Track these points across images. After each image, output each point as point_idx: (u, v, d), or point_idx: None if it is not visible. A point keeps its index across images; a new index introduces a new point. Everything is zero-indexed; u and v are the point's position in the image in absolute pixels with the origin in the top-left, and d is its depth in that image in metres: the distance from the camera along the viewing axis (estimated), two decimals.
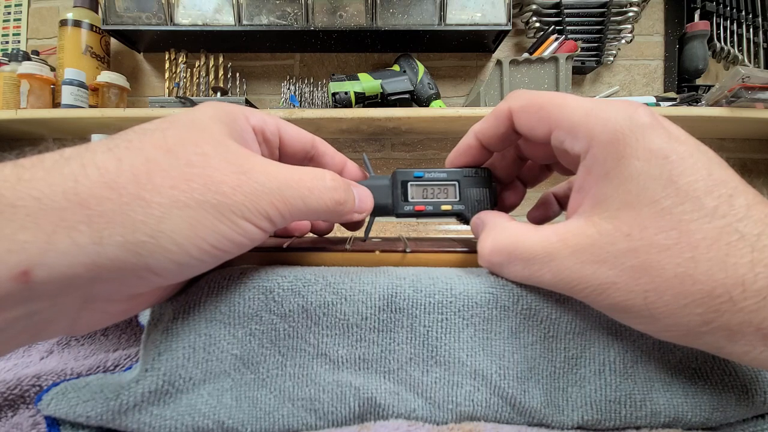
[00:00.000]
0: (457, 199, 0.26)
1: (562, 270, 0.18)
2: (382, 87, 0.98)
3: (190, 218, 0.16)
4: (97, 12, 1.08)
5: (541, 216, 0.29)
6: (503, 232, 0.21)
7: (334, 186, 0.21)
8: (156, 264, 0.16)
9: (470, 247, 0.25)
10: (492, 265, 0.21)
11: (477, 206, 0.26)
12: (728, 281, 0.15)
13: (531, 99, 0.22)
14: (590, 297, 0.18)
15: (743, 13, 1.09)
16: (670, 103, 0.96)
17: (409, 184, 0.26)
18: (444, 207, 0.26)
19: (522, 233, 0.20)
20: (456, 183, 0.26)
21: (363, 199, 0.24)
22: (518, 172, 0.28)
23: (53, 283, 0.14)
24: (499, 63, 0.93)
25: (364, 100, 0.98)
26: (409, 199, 0.26)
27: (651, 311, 0.17)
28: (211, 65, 1.09)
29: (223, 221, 0.17)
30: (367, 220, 0.26)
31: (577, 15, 1.06)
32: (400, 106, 0.99)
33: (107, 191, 0.15)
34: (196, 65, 1.09)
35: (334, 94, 0.97)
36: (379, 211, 0.26)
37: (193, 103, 0.94)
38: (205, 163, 0.17)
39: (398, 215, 0.26)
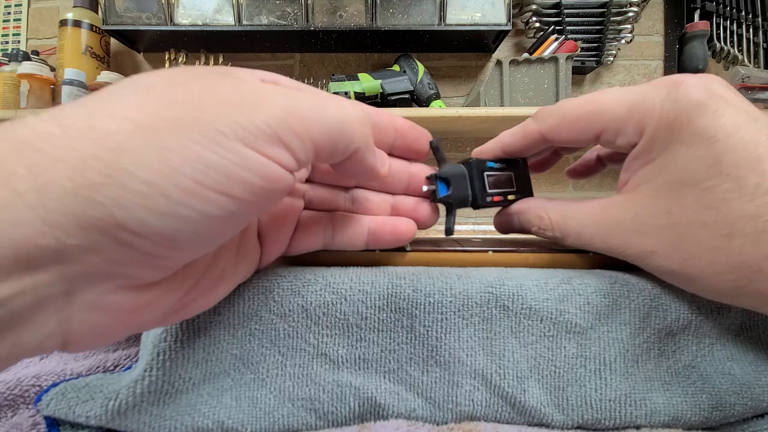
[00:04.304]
0: (515, 188, 0.26)
1: (609, 238, 0.20)
2: (382, 87, 0.98)
3: (158, 145, 0.12)
4: (97, 12, 1.08)
5: (581, 170, 0.30)
6: (554, 211, 0.23)
7: (351, 101, 0.18)
8: (127, 216, 0.12)
9: (470, 246, 0.25)
10: (555, 239, 0.23)
11: (525, 194, 0.26)
12: (759, 255, 0.17)
13: (562, 115, 0.22)
14: (636, 261, 0.20)
15: (743, 13, 1.08)
16: None
17: (485, 174, 0.24)
18: (510, 197, 0.25)
19: (571, 210, 0.22)
20: (512, 173, 0.26)
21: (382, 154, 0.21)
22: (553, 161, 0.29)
23: (4, 253, 0.11)
24: (499, 63, 0.93)
25: (364, 100, 0.98)
26: (488, 190, 0.24)
27: (688, 276, 0.19)
28: (211, 65, 1.09)
29: (207, 146, 0.13)
30: (451, 213, 0.24)
31: (577, 15, 1.06)
32: (400, 106, 0.99)
33: (52, 126, 0.12)
34: (196, 65, 1.09)
35: (334, 94, 0.96)
36: (459, 202, 0.24)
37: None
38: (178, 80, 0.14)
39: (479, 207, 0.24)
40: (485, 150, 0.25)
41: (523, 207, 0.25)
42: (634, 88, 0.20)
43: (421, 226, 0.23)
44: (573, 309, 0.20)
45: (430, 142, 0.23)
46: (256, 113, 0.14)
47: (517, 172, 0.26)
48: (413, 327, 0.20)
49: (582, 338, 0.20)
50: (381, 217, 0.22)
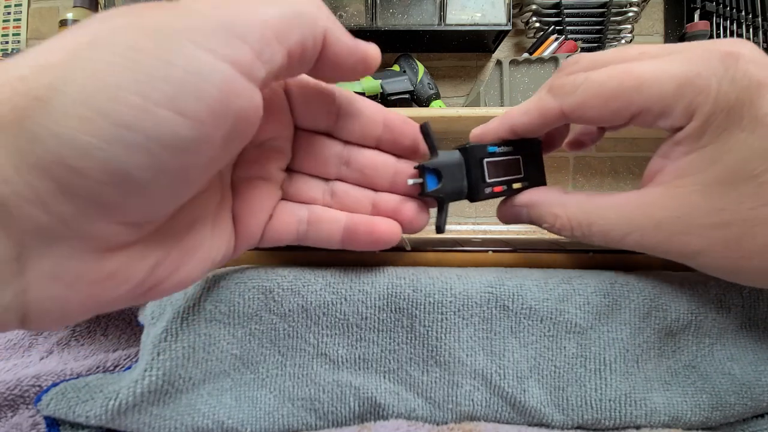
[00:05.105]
0: (522, 174, 0.22)
1: (646, 239, 0.18)
2: (382, 87, 0.98)
3: (94, 57, 0.11)
4: (97, 12, 1.08)
5: (584, 140, 0.25)
6: (574, 207, 0.20)
7: None
8: (63, 146, 0.11)
9: (470, 246, 0.25)
10: (574, 239, 0.20)
11: (535, 181, 0.23)
12: None
13: (592, 92, 0.18)
14: (676, 260, 0.18)
15: (743, 13, 1.08)
16: None
17: (485, 161, 0.21)
18: (515, 185, 0.22)
19: (594, 206, 0.19)
20: (519, 157, 0.22)
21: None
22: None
23: None
24: (499, 63, 0.93)
25: None
26: (488, 180, 0.21)
27: (738, 271, 0.17)
28: None
29: (151, 52, 0.11)
30: (443, 209, 0.21)
31: (577, 15, 1.06)
32: (400, 106, 0.99)
33: None
34: None
35: None
36: (453, 195, 0.21)
37: None
38: (127, 11, 0.12)
39: (477, 199, 0.21)
40: (488, 131, 0.22)
41: (534, 199, 0.22)
42: (678, 58, 0.17)
43: (407, 228, 0.21)
44: (573, 309, 0.20)
45: (421, 126, 0.20)
46: (207, 16, 0.12)
47: (527, 156, 0.23)
48: (413, 327, 0.20)
49: (582, 338, 0.20)
50: (360, 215, 0.20)
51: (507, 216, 0.23)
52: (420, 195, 0.20)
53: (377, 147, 0.21)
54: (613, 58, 0.19)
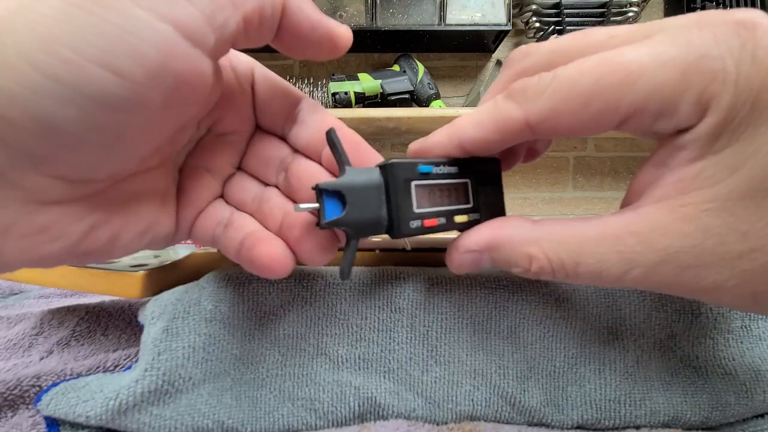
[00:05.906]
0: (471, 204, 0.18)
1: (650, 277, 0.14)
2: (382, 87, 0.98)
3: (31, 11, 0.11)
4: None
5: (540, 148, 0.21)
6: (552, 242, 0.15)
7: None
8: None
9: None
10: (555, 279, 0.16)
11: (491, 213, 0.18)
12: None
13: (564, 93, 0.14)
14: (689, 296, 0.15)
15: None
16: None
17: (413, 184, 0.16)
18: (458, 218, 0.17)
19: (578, 238, 0.15)
20: (467, 181, 0.18)
21: None
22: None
23: None
24: (499, 63, 0.94)
25: (364, 100, 0.98)
26: (416, 210, 0.16)
27: (761, 305, 0.14)
28: None
29: (88, 8, 0.11)
30: (348, 245, 0.16)
31: (577, 15, 1.06)
32: (400, 106, 0.99)
33: None
34: None
35: (334, 94, 0.97)
36: (364, 228, 0.16)
37: None
38: None
39: (399, 235, 0.16)
40: (431, 146, 0.17)
41: (497, 239, 0.16)
42: (671, 37, 0.13)
43: (303, 261, 0.17)
44: (573, 309, 0.20)
45: (327, 132, 0.16)
46: None
47: (480, 178, 0.18)
48: (413, 327, 0.20)
49: (582, 338, 0.20)
50: (259, 231, 0.18)
51: (462, 265, 0.17)
52: (318, 225, 0.16)
53: (320, 162, 0.18)
54: (575, 46, 0.15)
